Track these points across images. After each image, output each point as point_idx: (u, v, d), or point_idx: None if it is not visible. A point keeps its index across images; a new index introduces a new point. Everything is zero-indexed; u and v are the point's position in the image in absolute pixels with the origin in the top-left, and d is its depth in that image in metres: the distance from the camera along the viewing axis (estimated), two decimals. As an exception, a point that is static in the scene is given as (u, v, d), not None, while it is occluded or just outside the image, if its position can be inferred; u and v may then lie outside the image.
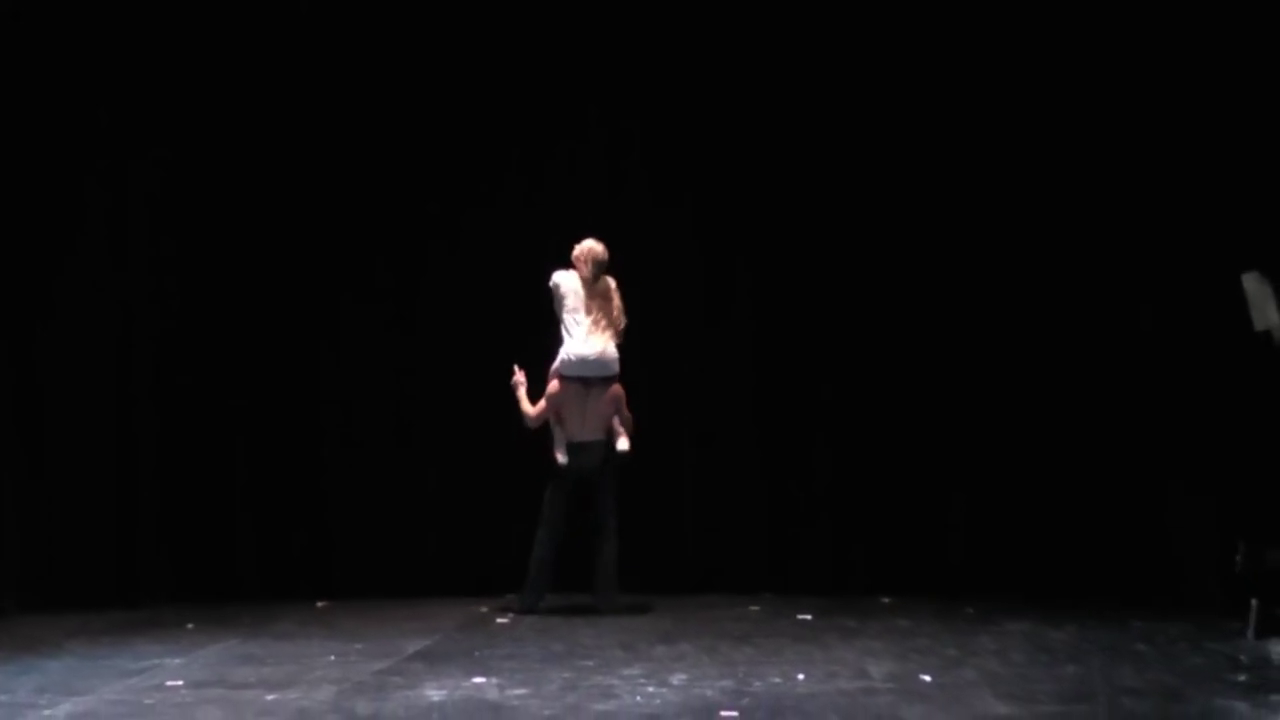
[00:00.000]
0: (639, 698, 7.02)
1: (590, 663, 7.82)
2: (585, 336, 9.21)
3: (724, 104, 10.31)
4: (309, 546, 10.32)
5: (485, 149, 10.41)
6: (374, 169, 10.41)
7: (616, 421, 9.31)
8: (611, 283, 9.31)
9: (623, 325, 9.25)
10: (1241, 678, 7.34)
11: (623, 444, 9.27)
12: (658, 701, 6.93)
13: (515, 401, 9.43)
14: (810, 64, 10.26)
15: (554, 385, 9.28)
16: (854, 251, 10.22)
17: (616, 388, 9.29)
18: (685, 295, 10.35)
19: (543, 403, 9.34)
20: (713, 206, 10.35)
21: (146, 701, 7.08)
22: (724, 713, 6.69)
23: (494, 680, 7.40)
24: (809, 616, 9.19)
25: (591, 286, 9.27)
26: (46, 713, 6.89)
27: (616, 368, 9.24)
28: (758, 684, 7.27)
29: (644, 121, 10.38)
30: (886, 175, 10.19)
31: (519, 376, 9.47)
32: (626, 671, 7.58)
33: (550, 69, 10.38)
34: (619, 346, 9.22)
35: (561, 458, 9.27)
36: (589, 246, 9.32)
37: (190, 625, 9.17)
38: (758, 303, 10.33)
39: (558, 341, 9.24)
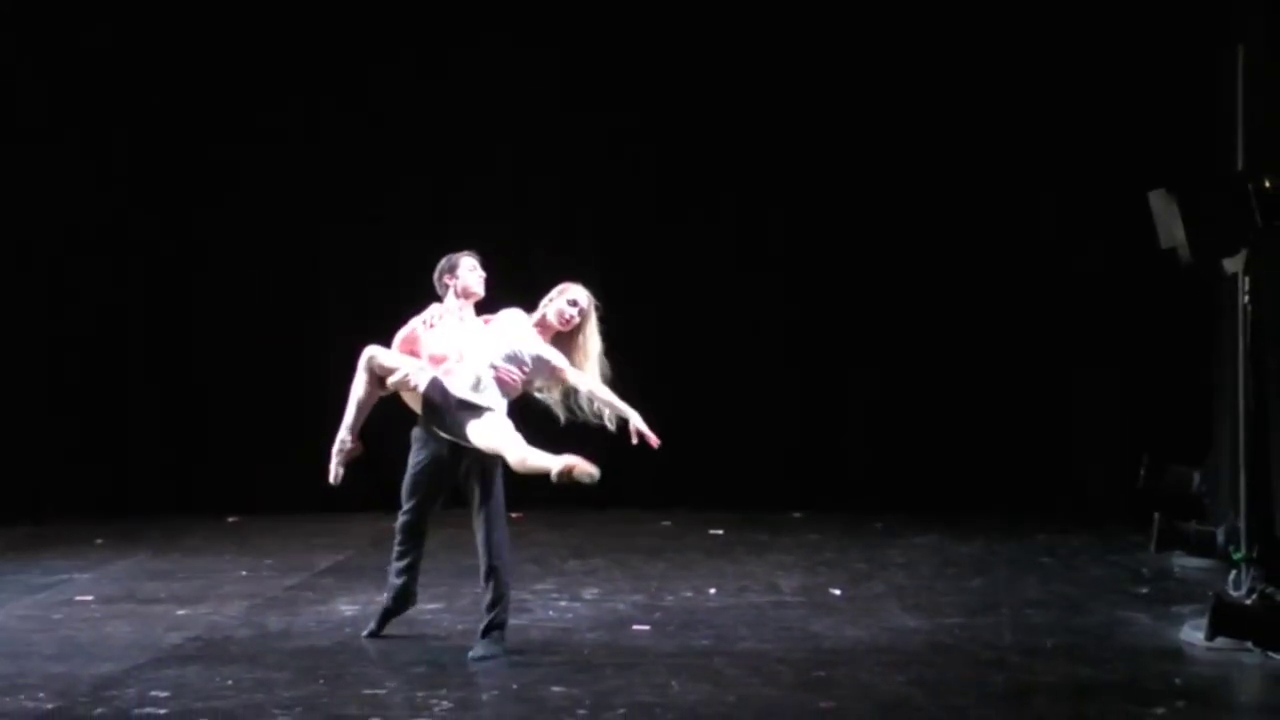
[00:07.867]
0: (551, 612, 7.07)
1: (502, 577, 7.83)
2: None
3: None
4: (219, 461, 10.22)
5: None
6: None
7: None
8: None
9: None
10: (1143, 590, 7.50)
11: None
12: (570, 616, 6.98)
13: None
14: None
15: None
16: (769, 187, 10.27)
17: None
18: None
19: None
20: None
21: (55, 616, 7.04)
22: (636, 626, 6.75)
23: (406, 595, 7.40)
24: (720, 531, 9.26)
25: None
26: (-46, 628, 6.84)
27: None
28: (670, 598, 7.33)
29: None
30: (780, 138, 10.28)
31: None
32: (539, 586, 7.62)
33: None
34: None
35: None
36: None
37: (99, 540, 9.10)
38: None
39: None
